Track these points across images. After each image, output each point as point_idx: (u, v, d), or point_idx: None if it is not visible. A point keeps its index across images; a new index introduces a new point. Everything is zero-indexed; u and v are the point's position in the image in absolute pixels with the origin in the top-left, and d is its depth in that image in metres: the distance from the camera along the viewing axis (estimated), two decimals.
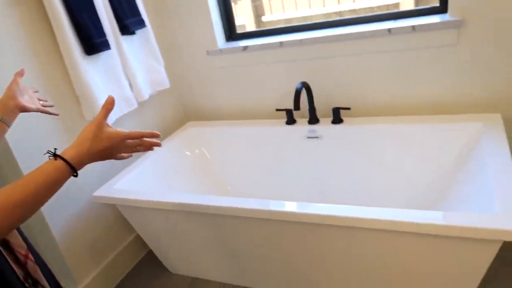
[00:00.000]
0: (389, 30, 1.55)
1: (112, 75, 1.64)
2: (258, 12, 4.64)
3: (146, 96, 1.76)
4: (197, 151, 1.96)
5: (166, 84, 1.88)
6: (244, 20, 4.57)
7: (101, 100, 1.54)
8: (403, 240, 1.08)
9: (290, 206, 1.19)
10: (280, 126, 1.80)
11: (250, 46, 1.81)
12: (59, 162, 0.76)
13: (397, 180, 1.61)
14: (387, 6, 4.08)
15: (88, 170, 1.62)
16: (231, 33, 1.97)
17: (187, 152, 1.93)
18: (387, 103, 1.69)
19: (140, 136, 0.88)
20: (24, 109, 1.02)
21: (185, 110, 2.17)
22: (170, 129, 2.08)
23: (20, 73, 1.09)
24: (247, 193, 1.90)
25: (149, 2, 1.91)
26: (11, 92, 1.01)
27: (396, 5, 4.01)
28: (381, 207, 1.10)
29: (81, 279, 1.62)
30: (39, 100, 1.13)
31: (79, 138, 0.81)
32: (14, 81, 1.05)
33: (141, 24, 1.74)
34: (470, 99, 1.55)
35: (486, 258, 1.02)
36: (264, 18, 4.61)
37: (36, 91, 1.16)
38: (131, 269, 1.83)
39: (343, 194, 1.72)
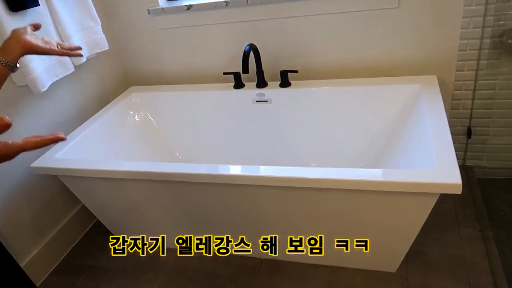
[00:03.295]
0: None
1: (42, 35, 1.49)
2: None
3: (83, 59, 1.63)
4: (142, 117, 1.89)
5: (105, 46, 1.75)
6: None
7: (32, 64, 1.41)
8: (348, 196, 1.15)
9: (237, 170, 1.21)
10: (228, 90, 1.78)
11: (194, 5, 1.73)
12: None
13: (343, 139, 1.68)
14: None
15: (20, 139, 1.50)
16: None
17: (132, 119, 1.85)
18: (332, 66, 1.73)
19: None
20: (31, 49, 0.92)
21: (126, 74, 2.06)
22: (112, 94, 1.97)
23: (34, 25, 0.99)
24: (196, 159, 1.89)
25: None
26: (15, 32, 0.92)
27: None
28: (328, 167, 1.15)
29: (24, 256, 1.53)
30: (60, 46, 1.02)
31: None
32: (23, 27, 0.95)
33: None
34: (408, 61, 1.63)
35: (425, 209, 1.12)
36: None
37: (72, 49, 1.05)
38: (77, 242, 1.77)
39: (292, 156, 1.77)
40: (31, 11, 1.43)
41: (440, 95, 1.41)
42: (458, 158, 1.74)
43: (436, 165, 1.06)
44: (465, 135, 1.72)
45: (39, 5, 1.43)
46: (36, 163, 1.41)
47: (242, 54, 1.57)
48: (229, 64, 1.84)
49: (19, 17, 1.39)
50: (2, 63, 0.85)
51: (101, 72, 1.90)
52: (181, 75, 1.96)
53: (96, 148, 1.61)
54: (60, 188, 1.68)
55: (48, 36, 1.49)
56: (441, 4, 1.49)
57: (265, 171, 1.18)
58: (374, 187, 1.07)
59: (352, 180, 1.08)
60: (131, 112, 1.86)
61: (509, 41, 1.53)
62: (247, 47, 1.57)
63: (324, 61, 1.73)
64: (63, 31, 1.56)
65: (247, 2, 1.66)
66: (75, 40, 1.60)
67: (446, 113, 1.30)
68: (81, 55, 1.07)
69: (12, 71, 0.87)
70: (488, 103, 1.62)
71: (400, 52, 1.63)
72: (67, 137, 1.57)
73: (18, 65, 0.90)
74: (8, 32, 1.34)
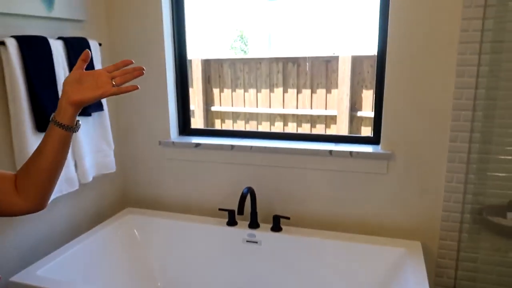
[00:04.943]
0: (330, 152, 1.73)
1: None
2: (208, 101, 4.88)
3: (90, 178, 1.72)
4: (132, 240, 1.90)
5: (113, 168, 1.86)
6: (193, 106, 4.76)
7: None
8: None
9: None
10: (220, 226, 1.82)
11: (203, 144, 1.89)
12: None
13: None
14: (326, 117, 4.53)
15: (9, 250, 1.49)
16: (185, 127, 2.05)
17: (121, 241, 1.86)
18: (323, 217, 1.81)
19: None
20: (81, 103, 0.85)
21: (125, 195, 2.13)
22: (108, 213, 2.01)
23: (84, 57, 0.89)
24: None
25: None
26: (63, 87, 0.87)
27: (334, 117, 4.46)
28: None
29: None
30: (118, 73, 0.89)
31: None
32: (74, 69, 0.89)
33: (99, 107, 1.77)
34: (395, 224, 1.72)
35: None
36: (213, 108, 4.84)
37: (122, 66, 0.91)
38: None
39: None
40: None
41: (423, 264, 1.46)
42: None
43: None
44: None
45: None
46: (16, 278, 1.38)
47: (239, 193, 1.67)
48: (225, 201, 1.93)
49: (42, 136, 1.51)
50: (61, 127, 0.85)
51: (101, 191, 1.97)
52: (178, 204, 2.03)
53: (81, 268, 1.58)
54: None
55: None
56: (425, 176, 1.64)
57: None
58: None
59: None
60: (122, 234, 1.88)
61: (488, 218, 1.64)
62: (245, 190, 1.67)
63: (316, 211, 1.82)
64: (78, 150, 1.67)
65: (250, 149, 1.83)
66: (87, 160, 1.71)
67: (428, 280, 1.33)
68: (142, 73, 0.93)
69: (74, 131, 0.87)
70: (471, 276, 1.66)
71: (387, 215, 1.73)
72: (54, 252, 1.57)
73: (79, 123, 0.88)
74: (30, 150, 1.44)
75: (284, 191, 1.84)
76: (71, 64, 1.63)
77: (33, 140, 1.46)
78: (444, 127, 1.58)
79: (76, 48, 1.65)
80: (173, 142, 1.94)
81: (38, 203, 0.93)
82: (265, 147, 1.81)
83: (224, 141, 1.90)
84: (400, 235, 1.71)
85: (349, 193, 1.76)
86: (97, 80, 0.88)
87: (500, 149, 1.57)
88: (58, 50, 1.57)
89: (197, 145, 1.90)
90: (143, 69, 0.92)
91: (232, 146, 1.85)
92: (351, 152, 1.70)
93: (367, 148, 1.73)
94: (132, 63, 0.93)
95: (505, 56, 1.48)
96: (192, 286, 1.83)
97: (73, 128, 0.87)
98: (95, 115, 1.77)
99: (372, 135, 1.80)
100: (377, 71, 1.71)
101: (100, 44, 1.80)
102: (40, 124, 1.49)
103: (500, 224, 1.62)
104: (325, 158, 1.74)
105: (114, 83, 0.88)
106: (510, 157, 1.57)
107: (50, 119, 0.87)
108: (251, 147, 1.82)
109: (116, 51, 1.97)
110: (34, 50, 1.47)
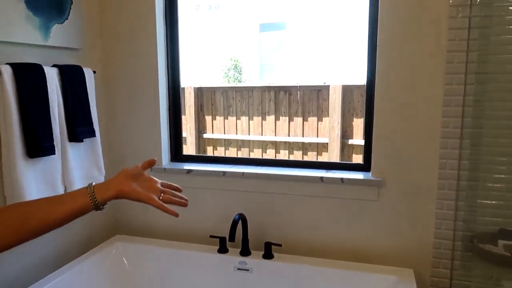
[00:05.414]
0: (321, 178, 1.74)
1: (49, 180, 1.59)
2: (200, 128, 4.91)
3: None
4: (120, 269, 1.86)
5: None
6: (185, 133, 4.77)
7: None
8: None
9: None
10: (211, 253, 1.80)
11: (195, 170, 1.89)
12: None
13: None
14: (317, 144, 4.57)
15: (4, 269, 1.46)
16: (177, 154, 2.06)
17: (110, 269, 1.82)
18: (315, 243, 1.80)
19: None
20: (126, 196, 0.88)
21: (116, 221, 2.10)
22: (97, 239, 1.97)
23: (149, 162, 0.95)
24: None
25: (102, 110, 1.98)
26: (123, 172, 0.90)
27: (325, 145, 4.49)
28: None
29: None
30: (168, 191, 0.94)
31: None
32: (138, 166, 0.93)
33: (91, 133, 1.78)
34: (387, 251, 1.72)
35: None
36: (205, 135, 4.87)
37: (174, 189, 0.97)
38: None
39: None
40: (46, 157, 1.56)
41: None
42: None
43: None
44: None
45: (55, 153, 1.57)
46: None
47: (230, 220, 1.66)
48: (217, 227, 1.91)
49: (33, 162, 1.51)
50: (90, 199, 0.83)
51: (91, 218, 1.93)
52: (169, 230, 2.00)
53: None
54: None
55: (52, 181, 1.59)
56: (416, 203, 1.65)
57: None
58: None
59: None
60: (111, 263, 1.84)
61: (480, 245, 1.64)
62: (237, 216, 1.66)
63: (307, 238, 1.81)
64: (68, 176, 1.66)
65: (242, 175, 1.83)
66: (78, 186, 1.70)
67: None
68: (185, 204, 0.98)
69: (97, 210, 0.86)
70: None
71: (379, 241, 1.72)
72: (40, 281, 1.53)
73: (105, 206, 0.87)
74: (19, 175, 1.43)
75: (275, 218, 1.84)
76: (64, 91, 1.64)
77: (23, 165, 1.46)
78: (433, 154, 1.61)
79: (70, 75, 1.68)
80: (164, 169, 1.94)
81: None
82: (257, 173, 1.82)
83: (216, 168, 1.90)
84: (392, 262, 1.70)
85: (340, 220, 1.76)
86: (149, 186, 0.93)
87: (488, 176, 1.60)
88: (52, 78, 1.59)
89: (189, 171, 1.90)
90: (187, 203, 1.00)
91: (224, 173, 1.85)
92: (342, 179, 1.71)
93: (358, 175, 1.74)
94: (181, 191, 1.02)
95: (490, 87, 1.53)
96: None
97: (99, 208, 0.86)
98: (87, 141, 1.77)
99: (363, 162, 1.82)
100: (366, 100, 1.75)
101: (94, 72, 1.83)
102: (31, 150, 1.48)
103: (491, 251, 1.63)
104: (317, 185, 1.75)
105: (161, 197, 0.94)
106: (498, 185, 1.59)
107: (87, 185, 0.85)
108: (243, 173, 1.83)
109: (110, 78, 1.99)
110: (28, 77, 1.48)
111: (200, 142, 4.84)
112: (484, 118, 1.55)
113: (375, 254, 1.73)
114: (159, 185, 0.95)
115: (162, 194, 0.94)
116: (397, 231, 1.69)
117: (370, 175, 1.73)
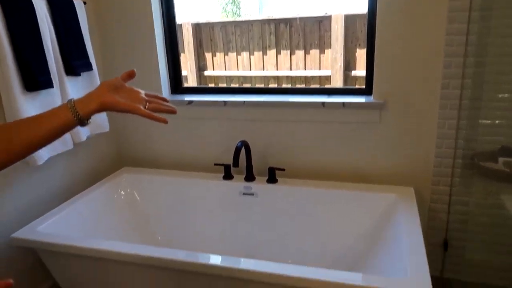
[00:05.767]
0: (323, 103, 1.73)
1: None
2: (200, 65, 4.82)
3: (83, 138, 1.72)
4: (129, 198, 1.92)
5: (106, 128, 1.86)
6: (186, 72, 4.70)
7: None
8: None
9: (217, 260, 1.23)
10: (217, 180, 1.85)
11: (196, 101, 1.89)
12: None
13: (323, 240, 1.71)
14: (320, 77, 4.49)
15: (9, 209, 1.51)
16: (177, 86, 2.04)
17: (119, 199, 1.89)
18: (318, 167, 1.83)
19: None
20: (110, 106, 0.84)
21: (121, 154, 2.14)
22: (104, 172, 2.02)
23: (128, 73, 0.90)
24: (178, 245, 1.88)
25: (97, 44, 1.93)
26: (102, 85, 0.85)
27: (328, 77, 4.42)
28: (306, 266, 1.17)
29: None
30: (154, 100, 0.90)
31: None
32: (118, 78, 0.88)
33: (88, 66, 1.75)
34: (388, 171, 1.75)
35: None
36: (206, 73, 4.79)
37: (160, 99, 0.92)
38: None
39: (272, 251, 1.78)
40: (45, 91, 1.55)
41: (416, 208, 1.49)
42: (436, 270, 1.77)
43: (410, 275, 1.10)
44: (441, 247, 1.77)
45: (53, 87, 1.56)
46: (18, 234, 1.41)
47: (233, 148, 1.68)
48: (221, 156, 1.94)
49: (32, 96, 1.50)
50: (74, 114, 0.80)
51: (97, 151, 1.98)
52: (173, 161, 2.04)
53: (80, 224, 1.61)
54: (33, 263, 1.64)
55: None
56: (417, 124, 1.65)
57: (239, 263, 1.19)
58: None
59: (331, 282, 1.10)
60: (119, 192, 1.90)
61: (480, 163, 1.67)
62: (239, 143, 1.68)
63: (310, 162, 1.84)
64: None
65: (243, 104, 1.82)
66: None
67: (422, 224, 1.37)
68: (174, 112, 0.94)
69: (81, 125, 0.83)
70: (463, 219, 1.70)
71: (380, 162, 1.75)
72: (53, 210, 1.59)
73: (89, 121, 0.85)
74: (20, 110, 1.43)
75: (278, 144, 1.85)
76: (55, 23, 1.59)
77: (22, 100, 1.45)
78: (436, 75, 1.57)
79: (60, 7, 1.61)
80: None
81: None
82: (258, 102, 1.81)
83: (216, 98, 1.89)
84: (393, 181, 1.74)
85: (342, 143, 1.77)
86: (132, 96, 0.88)
87: (491, 95, 1.58)
88: (42, 10, 1.53)
89: (190, 102, 1.89)
90: (176, 111, 0.94)
91: (225, 102, 1.84)
92: (343, 103, 1.70)
93: (360, 99, 1.73)
94: (168, 101, 0.94)
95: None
96: (191, 239, 1.87)
97: (84, 122, 0.82)
98: (84, 74, 1.75)
99: (365, 87, 1.80)
100: (368, 27, 1.68)
101: (85, 3, 1.76)
102: (28, 83, 1.47)
103: (492, 168, 1.65)
104: (318, 110, 1.75)
105: (146, 106, 0.89)
106: (501, 104, 1.58)
107: (67, 101, 0.82)
108: (244, 102, 1.82)
109: (101, 11, 1.92)
110: (16, 9, 1.43)
111: (202, 80, 4.77)
112: (489, 35, 1.50)
113: (376, 174, 1.77)
114: (143, 95, 0.89)
115: (147, 104, 0.89)
116: (398, 152, 1.71)
117: (372, 98, 1.71)
